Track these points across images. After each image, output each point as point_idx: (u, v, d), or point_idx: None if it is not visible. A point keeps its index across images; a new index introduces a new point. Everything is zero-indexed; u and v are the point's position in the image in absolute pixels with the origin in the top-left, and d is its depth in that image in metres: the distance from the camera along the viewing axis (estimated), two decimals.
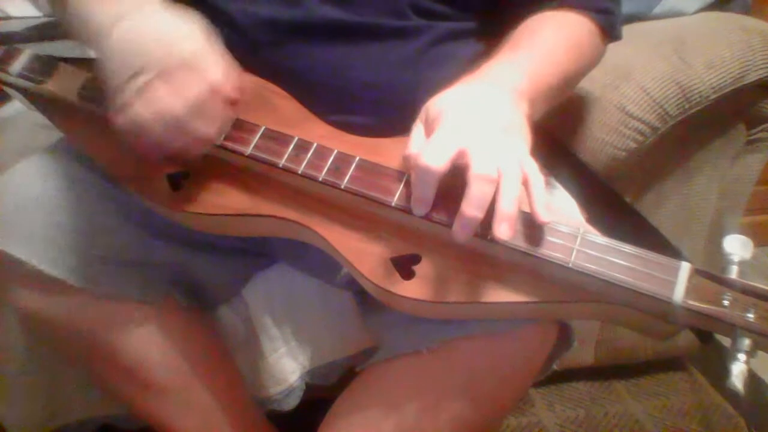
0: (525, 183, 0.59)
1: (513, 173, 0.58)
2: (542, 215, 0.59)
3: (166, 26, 0.66)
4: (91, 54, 0.69)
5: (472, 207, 0.57)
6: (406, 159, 0.65)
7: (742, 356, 0.54)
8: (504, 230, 0.57)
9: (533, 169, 0.60)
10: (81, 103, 0.78)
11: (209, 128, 0.67)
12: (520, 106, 0.66)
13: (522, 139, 0.64)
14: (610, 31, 0.82)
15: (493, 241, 0.58)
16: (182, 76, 0.64)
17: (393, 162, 0.68)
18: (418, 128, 0.66)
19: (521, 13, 0.79)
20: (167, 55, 0.64)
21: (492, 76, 0.69)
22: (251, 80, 0.77)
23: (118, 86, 0.65)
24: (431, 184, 0.60)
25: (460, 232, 0.58)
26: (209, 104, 0.66)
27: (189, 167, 0.74)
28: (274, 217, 0.70)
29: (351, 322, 0.95)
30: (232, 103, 0.69)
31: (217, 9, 0.79)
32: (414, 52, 0.79)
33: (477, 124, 0.62)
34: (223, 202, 0.71)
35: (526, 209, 0.63)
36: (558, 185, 0.95)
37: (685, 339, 1.38)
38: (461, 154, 0.59)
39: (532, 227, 0.62)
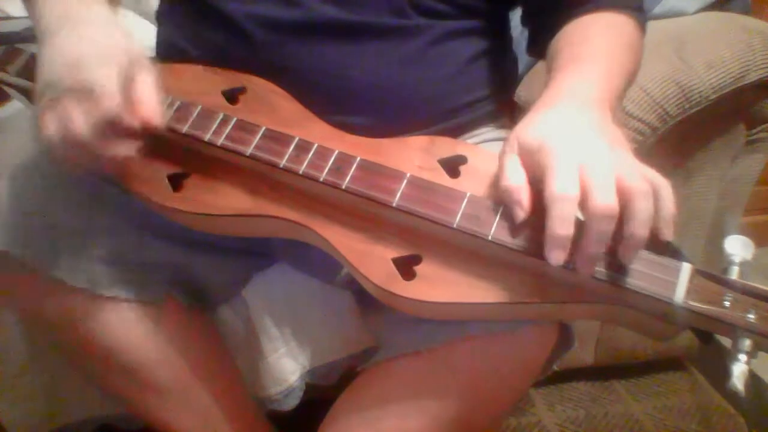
0: (655, 195, 0.57)
1: (647, 191, 0.56)
2: (666, 233, 0.57)
3: (82, 50, 0.66)
4: None
5: (593, 244, 0.55)
6: (503, 192, 0.61)
7: (742, 357, 0.54)
8: (629, 257, 0.56)
9: (659, 179, 0.58)
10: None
11: (107, 151, 0.66)
12: (608, 116, 0.64)
13: (629, 150, 0.60)
14: (643, 27, 0.80)
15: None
16: (68, 106, 0.64)
17: (394, 162, 0.68)
18: (511, 158, 0.62)
19: (559, 19, 0.77)
20: (62, 81, 0.64)
21: (569, 94, 0.66)
22: (252, 80, 0.77)
23: (40, 93, 0.66)
24: (570, 216, 0.55)
25: (583, 269, 0.57)
26: (108, 129, 0.64)
27: (190, 169, 0.74)
28: (275, 217, 0.70)
29: (351, 322, 0.95)
30: (134, 136, 0.67)
31: (217, 9, 0.79)
32: (415, 52, 0.79)
33: (589, 143, 0.59)
34: (224, 202, 0.71)
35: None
36: None
37: (685, 339, 1.38)
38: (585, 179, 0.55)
39: (532, 228, 0.62)
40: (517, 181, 0.60)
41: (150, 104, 0.66)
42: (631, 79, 0.76)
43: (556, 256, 0.56)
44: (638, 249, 0.56)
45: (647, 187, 0.56)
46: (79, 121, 0.63)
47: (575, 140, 0.58)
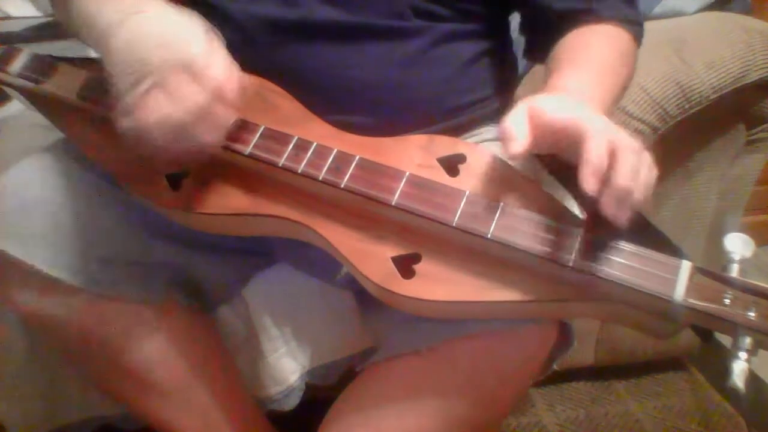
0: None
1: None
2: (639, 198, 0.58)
3: (167, 30, 0.66)
4: (91, 54, 0.69)
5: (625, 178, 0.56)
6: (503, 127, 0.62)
7: (743, 355, 0.54)
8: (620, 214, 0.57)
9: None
10: (81, 103, 0.78)
11: (210, 135, 0.66)
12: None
13: None
14: (639, 41, 0.83)
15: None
16: (182, 83, 0.63)
17: (393, 161, 0.68)
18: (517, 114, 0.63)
19: (559, 25, 0.80)
20: (167, 61, 0.63)
21: (566, 92, 0.69)
22: (251, 80, 0.77)
23: (121, 91, 0.64)
24: (604, 148, 0.57)
25: (610, 207, 0.57)
26: (209, 111, 0.65)
27: (190, 168, 0.73)
28: (274, 216, 0.70)
29: (351, 322, 0.95)
30: (234, 106, 0.68)
31: (217, 9, 0.79)
32: (414, 53, 0.79)
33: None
34: (223, 201, 0.71)
35: (526, 207, 0.64)
36: (558, 184, 0.95)
37: (685, 339, 1.38)
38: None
39: (532, 225, 0.62)
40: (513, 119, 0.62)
41: (235, 81, 0.67)
42: (624, 87, 0.79)
43: (592, 183, 0.56)
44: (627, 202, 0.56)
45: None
46: (196, 94, 0.63)
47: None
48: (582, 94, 0.68)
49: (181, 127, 0.64)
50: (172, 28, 0.66)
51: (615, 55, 0.78)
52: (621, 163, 0.56)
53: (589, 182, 0.56)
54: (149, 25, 0.66)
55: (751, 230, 0.61)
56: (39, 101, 0.84)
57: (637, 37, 0.83)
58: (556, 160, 0.99)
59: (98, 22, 0.68)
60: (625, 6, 0.82)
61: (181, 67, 0.63)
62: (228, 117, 0.68)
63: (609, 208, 0.56)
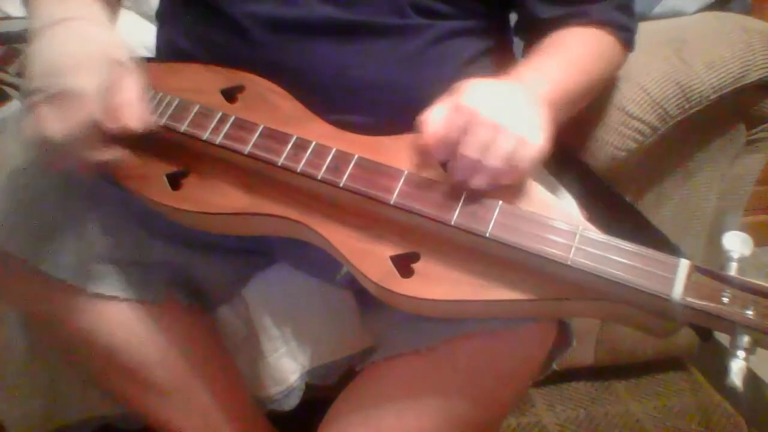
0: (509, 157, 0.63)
1: (524, 141, 0.63)
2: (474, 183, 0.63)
3: (62, 54, 0.67)
4: None
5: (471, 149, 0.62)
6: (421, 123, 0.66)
7: (741, 353, 0.54)
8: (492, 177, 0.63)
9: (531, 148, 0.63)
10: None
11: (89, 157, 0.67)
12: (541, 109, 0.68)
13: (536, 130, 0.65)
14: (628, 46, 0.87)
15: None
16: (68, 103, 0.64)
17: (392, 160, 0.68)
18: (444, 100, 0.67)
19: (547, 29, 0.82)
20: (43, 89, 0.65)
21: (518, 79, 0.72)
22: (251, 79, 0.77)
23: (24, 95, 0.67)
24: (455, 122, 0.63)
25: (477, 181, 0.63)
26: (88, 135, 0.66)
27: (190, 168, 0.74)
28: (274, 216, 0.70)
29: (351, 322, 0.95)
30: (121, 135, 0.68)
31: (217, 9, 0.79)
32: (414, 51, 0.79)
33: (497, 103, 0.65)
34: (223, 201, 0.71)
35: (524, 205, 0.64)
36: (558, 184, 0.95)
37: (685, 338, 1.37)
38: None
39: (531, 224, 0.62)
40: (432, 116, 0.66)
41: (131, 109, 0.67)
42: (593, 86, 0.84)
43: (437, 150, 0.65)
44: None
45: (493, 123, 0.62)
46: (55, 126, 0.64)
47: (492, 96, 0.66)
48: (537, 72, 0.74)
49: (57, 144, 0.65)
50: (71, 51, 0.67)
51: (587, 51, 0.81)
52: (470, 135, 0.62)
53: (435, 150, 0.65)
54: (53, 44, 0.68)
55: (751, 230, 0.61)
56: None
57: (626, 42, 0.86)
58: (555, 160, 0.99)
59: (32, 22, 0.71)
60: (616, 11, 0.83)
61: (53, 95, 0.65)
62: (95, 151, 0.67)
63: (456, 174, 0.64)
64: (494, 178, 0.63)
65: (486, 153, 0.62)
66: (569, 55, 0.79)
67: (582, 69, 0.79)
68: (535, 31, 0.84)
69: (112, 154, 0.68)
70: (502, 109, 0.64)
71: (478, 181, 0.63)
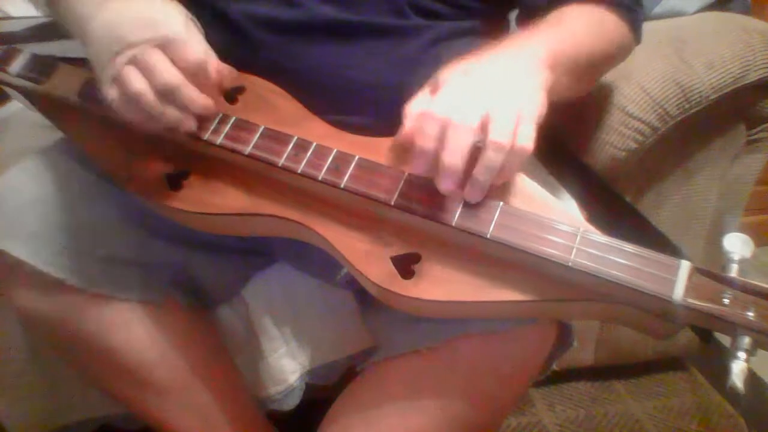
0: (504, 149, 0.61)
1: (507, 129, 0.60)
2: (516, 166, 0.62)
3: (145, 12, 0.68)
4: None
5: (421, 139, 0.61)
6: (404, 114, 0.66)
7: (742, 354, 0.54)
8: (472, 195, 0.62)
9: (523, 137, 0.61)
10: (81, 103, 0.78)
11: (181, 113, 0.69)
12: (538, 74, 0.67)
13: (529, 106, 0.63)
14: (633, 27, 0.83)
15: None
16: (158, 61, 0.66)
17: (392, 161, 0.68)
18: (424, 90, 0.67)
19: (545, 10, 0.79)
20: (148, 35, 0.66)
21: (513, 47, 0.70)
22: (251, 80, 0.77)
23: (98, 67, 0.67)
24: (431, 133, 0.61)
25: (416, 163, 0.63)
26: (180, 90, 0.67)
27: (190, 168, 0.74)
28: (274, 216, 0.70)
29: (351, 322, 0.95)
30: (209, 91, 0.70)
31: (215, 9, 0.79)
32: (414, 52, 0.79)
33: (477, 90, 0.63)
34: (223, 201, 0.71)
35: (525, 206, 0.64)
36: (558, 185, 0.95)
37: (686, 339, 1.38)
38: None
39: (532, 225, 0.62)
40: (415, 108, 0.65)
41: (212, 58, 0.70)
42: (595, 59, 0.79)
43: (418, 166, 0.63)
44: (478, 188, 0.62)
45: (504, 141, 0.60)
46: (170, 69, 0.66)
47: (473, 83, 0.64)
48: (536, 36, 0.72)
49: (150, 104, 0.66)
50: (149, 10, 0.68)
51: (586, 24, 0.78)
52: (447, 149, 0.60)
53: (415, 166, 0.63)
54: (127, 8, 0.68)
55: (751, 230, 0.61)
56: (39, 101, 0.84)
57: (631, 22, 0.83)
58: (555, 160, 0.99)
59: (76, 8, 0.71)
60: None
61: (157, 45, 0.66)
62: (199, 99, 0.69)
63: (440, 185, 0.61)
64: (487, 187, 0.62)
65: (476, 169, 0.61)
66: (568, 26, 0.76)
67: (582, 41, 0.76)
68: (536, 18, 0.80)
69: (204, 103, 0.70)
70: (483, 102, 0.61)
71: (473, 196, 0.62)
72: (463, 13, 0.82)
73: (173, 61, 0.66)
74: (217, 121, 0.72)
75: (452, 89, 0.63)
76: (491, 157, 0.60)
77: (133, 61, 0.65)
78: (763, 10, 1.38)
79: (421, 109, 0.63)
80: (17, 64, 0.82)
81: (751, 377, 0.55)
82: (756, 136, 1.16)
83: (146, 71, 0.66)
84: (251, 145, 0.70)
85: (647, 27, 0.88)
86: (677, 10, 1.22)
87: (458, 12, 0.82)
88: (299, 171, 0.68)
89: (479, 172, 0.61)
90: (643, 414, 1.36)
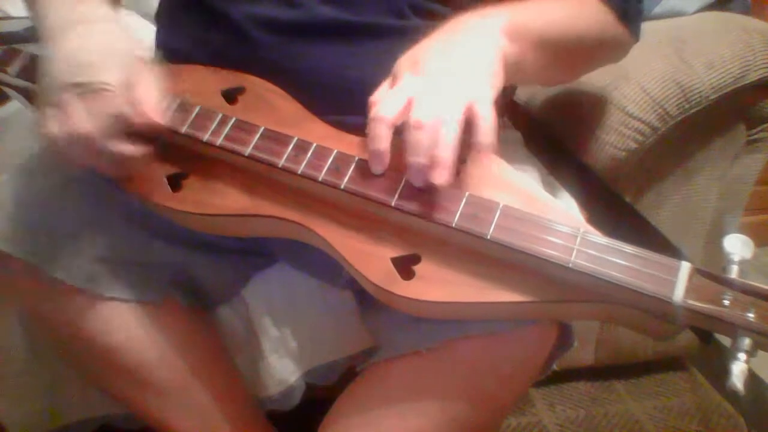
0: (471, 123, 0.62)
1: (450, 118, 0.61)
2: (482, 147, 0.62)
3: (100, 47, 0.68)
4: None
5: (411, 154, 0.61)
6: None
7: (742, 356, 0.54)
8: (438, 176, 0.61)
9: (482, 110, 0.62)
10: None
11: (96, 161, 0.68)
12: (496, 42, 0.69)
13: (482, 81, 0.65)
14: (622, 16, 0.82)
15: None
16: (97, 98, 0.65)
17: (393, 162, 0.68)
18: (386, 81, 0.68)
19: None
20: (90, 75, 0.66)
21: (475, 17, 0.71)
22: (251, 80, 0.77)
23: (45, 92, 0.67)
24: (381, 135, 0.63)
25: (411, 178, 0.64)
26: (115, 129, 0.67)
27: (190, 169, 0.74)
28: (274, 217, 0.70)
29: (351, 322, 0.95)
30: (151, 132, 0.69)
31: (216, 10, 0.79)
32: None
33: (431, 73, 0.65)
34: (223, 202, 0.71)
35: (525, 207, 0.64)
36: (558, 185, 0.95)
37: (685, 339, 1.38)
38: (409, 105, 0.63)
39: (532, 227, 0.62)
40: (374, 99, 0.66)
41: (152, 104, 0.68)
42: (570, 40, 0.79)
43: (374, 165, 0.66)
44: (440, 168, 0.61)
45: (456, 116, 0.61)
46: (84, 119, 0.65)
47: (427, 66, 0.66)
48: (483, 20, 0.71)
49: (87, 140, 0.66)
50: (94, 49, 0.68)
51: (564, 6, 0.78)
52: (409, 143, 0.62)
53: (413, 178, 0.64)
54: (75, 44, 0.69)
55: (751, 231, 0.61)
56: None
57: (618, 10, 0.81)
58: (555, 160, 0.99)
59: (45, 23, 0.72)
60: None
61: (80, 90, 0.66)
62: (120, 149, 0.68)
63: (413, 181, 0.64)
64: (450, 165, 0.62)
65: (426, 150, 0.62)
66: (540, 4, 0.76)
67: (552, 18, 0.76)
68: None
69: (137, 149, 0.69)
70: (435, 95, 0.63)
71: (438, 177, 0.62)
72: (463, 14, 0.82)
73: (99, 110, 0.66)
74: (217, 121, 0.72)
75: (409, 87, 0.65)
76: (444, 132, 0.61)
77: (57, 104, 0.66)
78: (763, 10, 1.37)
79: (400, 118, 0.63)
80: (17, 64, 0.82)
81: (751, 378, 0.55)
82: (756, 136, 1.16)
83: (66, 116, 0.65)
84: (251, 146, 0.70)
85: (647, 27, 0.87)
86: (677, 10, 1.22)
87: (458, 13, 0.82)
88: (299, 172, 0.68)
89: (440, 149, 0.62)
90: (643, 414, 1.36)
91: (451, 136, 0.61)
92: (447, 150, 0.61)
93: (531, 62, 0.74)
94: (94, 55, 0.67)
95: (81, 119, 0.65)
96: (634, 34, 0.85)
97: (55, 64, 0.67)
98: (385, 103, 0.64)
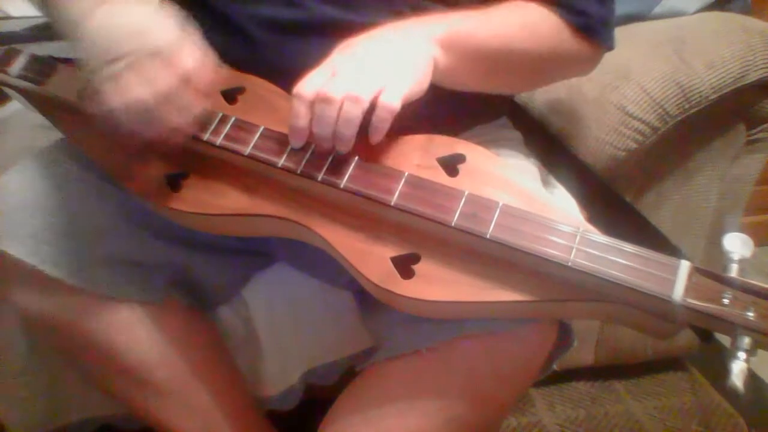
0: (373, 106, 0.65)
1: (358, 97, 0.64)
2: (374, 138, 0.66)
3: (141, 16, 0.68)
4: None
5: (314, 125, 0.66)
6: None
7: (742, 355, 0.54)
8: (338, 148, 0.67)
9: (386, 97, 0.64)
10: (81, 103, 0.78)
11: (177, 119, 0.68)
12: (427, 49, 0.70)
13: (402, 76, 0.67)
14: (585, 32, 0.80)
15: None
16: (152, 66, 0.65)
17: (392, 161, 0.68)
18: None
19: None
20: (140, 45, 0.66)
21: (414, 23, 0.73)
22: (251, 80, 0.77)
23: (91, 73, 0.67)
24: (299, 112, 0.66)
25: (316, 147, 0.68)
26: (178, 95, 0.67)
27: (189, 168, 0.74)
28: (274, 217, 0.70)
29: (351, 322, 0.95)
30: (206, 94, 0.70)
31: (216, 10, 0.79)
32: None
33: (357, 55, 0.68)
34: (223, 202, 0.71)
35: (525, 206, 0.64)
36: (558, 184, 0.95)
37: (685, 339, 1.38)
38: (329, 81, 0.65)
39: (531, 226, 0.62)
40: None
41: (207, 71, 0.70)
42: (516, 56, 0.78)
43: (293, 140, 0.69)
44: (340, 141, 0.66)
45: (361, 97, 0.64)
46: (165, 77, 0.66)
47: (353, 52, 0.69)
48: (422, 26, 0.73)
49: (148, 109, 0.66)
50: (145, 15, 0.68)
51: (511, 19, 0.77)
52: (314, 114, 0.65)
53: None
54: (119, 15, 0.68)
55: (751, 230, 0.61)
56: (38, 102, 0.84)
57: (581, 27, 0.79)
58: (555, 160, 0.99)
59: (69, 12, 0.71)
60: None
61: (151, 53, 0.66)
62: (196, 102, 0.69)
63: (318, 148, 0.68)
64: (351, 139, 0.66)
65: (328, 122, 0.65)
66: (487, 15, 0.76)
67: (496, 31, 0.76)
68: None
69: (201, 109, 0.70)
70: (353, 74, 0.66)
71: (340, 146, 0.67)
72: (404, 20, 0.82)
73: (166, 69, 0.66)
74: (216, 121, 0.72)
75: (333, 64, 0.68)
76: (347, 108, 0.64)
77: (126, 70, 0.65)
78: (763, 10, 1.38)
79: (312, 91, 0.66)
80: (17, 65, 0.82)
81: (751, 377, 0.55)
82: (756, 136, 1.16)
83: (139, 79, 0.65)
84: (251, 145, 0.70)
85: (647, 27, 0.87)
86: (677, 10, 1.22)
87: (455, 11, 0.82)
88: (299, 171, 0.68)
89: (340, 125, 0.65)
90: (643, 414, 1.36)
91: (353, 114, 0.64)
92: (345, 126, 0.64)
93: (466, 72, 0.75)
94: (139, 23, 0.67)
95: (160, 78, 0.65)
96: (605, 43, 0.83)
97: (96, 44, 0.67)
98: (308, 80, 0.66)
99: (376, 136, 0.66)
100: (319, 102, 0.64)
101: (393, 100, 0.64)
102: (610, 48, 0.84)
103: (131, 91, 0.65)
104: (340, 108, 0.64)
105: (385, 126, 0.65)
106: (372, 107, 0.65)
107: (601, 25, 0.81)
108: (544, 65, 0.83)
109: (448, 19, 0.73)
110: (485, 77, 0.79)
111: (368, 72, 0.66)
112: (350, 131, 0.65)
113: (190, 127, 0.70)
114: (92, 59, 0.67)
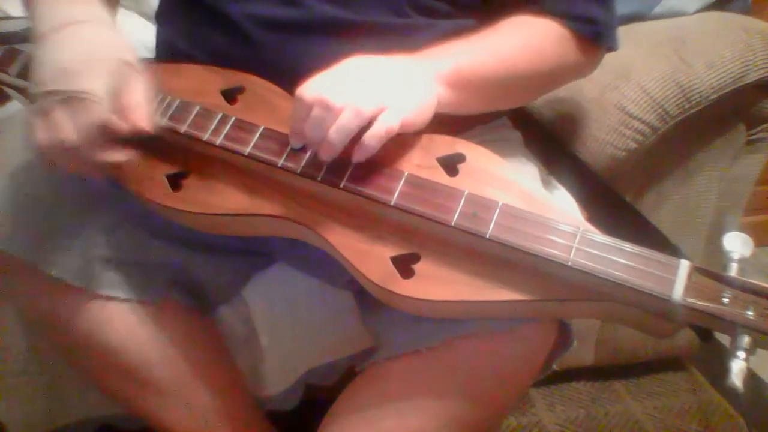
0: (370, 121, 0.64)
1: (358, 109, 0.63)
2: (358, 155, 0.65)
3: (82, 55, 0.68)
4: None
5: (308, 128, 0.65)
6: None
7: (741, 354, 0.54)
8: (323, 154, 0.66)
9: (385, 117, 0.64)
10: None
11: (101, 159, 0.67)
12: (433, 86, 0.71)
13: (406, 102, 0.67)
14: (593, 39, 0.81)
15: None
16: (80, 106, 0.65)
17: (392, 160, 0.68)
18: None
19: (504, 16, 0.79)
20: (65, 87, 0.65)
21: (421, 56, 0.73)
22: (251, 80, 0.77)
23: (33, 98, 0.67)
24: (298, 115, 0.66)
25: (291, 140, 0.69)
26: (100, 137, 0.66)
27: (190, 168, 0.74)
28: (274, 216, 0.70)
29: (351, 322, 0.95)
30: (120, 146, 0.69)
31: (216, 9, 0.79)
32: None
33: (367, 67, 0.69)
34: (223, 202, 0.71)
35: (524, 206, 0.64)
36: (558, 184, 0.95)
37: (685, 338, 1.38)
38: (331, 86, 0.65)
39: (531, 225, 0.62)
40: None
41: (139, 110, 0.67)
42: (525, 78, 0.79)
43: (292, 140, 0.69)
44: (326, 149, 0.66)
45: (361, 111, 0.64)
46: (68, 128, 0.65)
47: (360, 69, 0.69)
48: (443, 51, 0.73)
49: (71, 146, 0.65)
50: (78, 54, 0.68)
51: (516, 42, 0.77)
52: (310, 115, 0.65)
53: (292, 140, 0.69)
54: (69, 45, 0.69)
55: (751, 230, 0.61)
56: None
57: (591, 35, 0.81)
58: (555, 160, 0.99)
59: (40, 22, 0.72)
60: (581, 2, 0.80)
61: (63, 98, 0.65)
62: (100, 156, 0.67)
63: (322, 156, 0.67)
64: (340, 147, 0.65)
65: (318, 129, 0.65)
66: (494, 43, 0.76)
67: (503, 58, 0.76)
68: (494, 17, 0.80)
69: (124, 155, 0.68)
70: (357, 84, 0.66)
71: (326, 153, 0.66)
72: (463, 11, 0.82)
73: (77, 118, 0.65)
74: (216, 121, 0.72)
75: (340, 71, 0.68)
76: (345, 118, 0.63)
77: (41, 112, 0.65)
78: (763, 10, 1.38)
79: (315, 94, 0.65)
80: (17, 64, 0.82)
81: (751, 377, 0.55)
82: (756, 136, 1.16)
83: (49, 125, 0.65)
84: (251, 145, 0.70)
85: (647, 27, 0.87)
86: (677, 10, 1.22)
87: (458, 10, 0.82)
88: (299, 171, 0.68)
89: (333, 130, 0.64)
90: (643, 414, 1.36)
91: (350, 125, 0.63)
92: (338, 133, 0.64)
93: (470, 102, 0.76)
94: (76, 62, 0.67)
95: (65, 128, 0.65)
96: (612, 45, 0.85)
97: (40, 70, 0.67)
98: (312, 83, 0.66)
99: (362, 154, 0.65)
100: (318, 106, 0.64)
101: (393, 122, 0.64)
102: (615, 49, 0.85)
103: (37, 132, 0.66)
104: (338, 116, 0.64)
105: (376, 146, 0.65)
106: (369, 123, 0.64)
107: (608, 29, 0.82)
108: (549, 79, 0.85)
109: (453, 52, 0.74)
110: (490, 102, 0.80)
111: (375, 88, 0.66)
112: (341, 140, 0.64)
113: (101, 171, 0.70)
114: (38, 82, 0.67)
